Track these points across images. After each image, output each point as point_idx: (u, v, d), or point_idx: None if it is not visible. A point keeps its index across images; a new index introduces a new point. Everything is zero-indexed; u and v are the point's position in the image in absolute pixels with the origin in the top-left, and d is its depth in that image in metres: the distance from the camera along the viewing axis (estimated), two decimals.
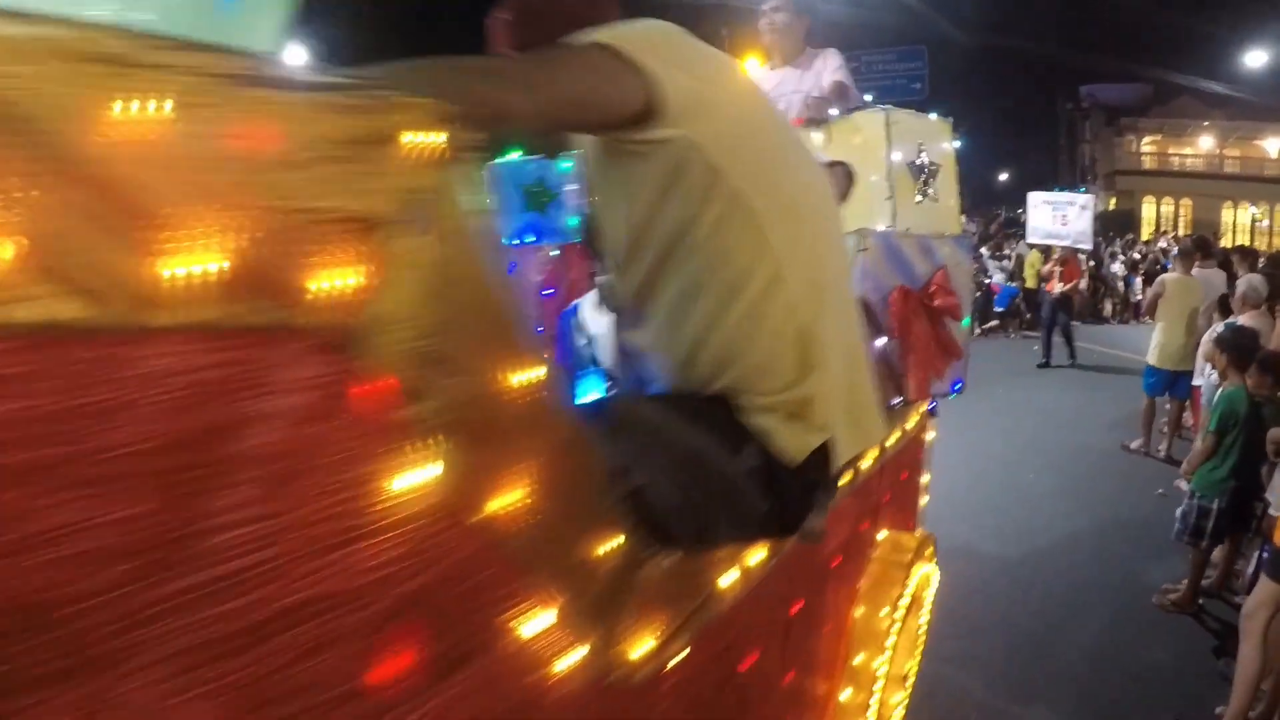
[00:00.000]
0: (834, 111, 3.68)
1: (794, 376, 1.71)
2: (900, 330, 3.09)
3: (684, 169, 1.60)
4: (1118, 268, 23.26)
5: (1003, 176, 61.32)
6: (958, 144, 3.76)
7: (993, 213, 29.52)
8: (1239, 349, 6.00)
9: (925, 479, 4.21)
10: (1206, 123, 46.40)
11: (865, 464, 2.90)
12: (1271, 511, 4.97)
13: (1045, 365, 14.77)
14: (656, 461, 1.62)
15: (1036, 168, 58.35)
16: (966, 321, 3.55)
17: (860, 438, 1.96)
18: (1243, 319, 7.37)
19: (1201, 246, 10.11)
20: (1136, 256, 24.25)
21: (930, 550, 3.70)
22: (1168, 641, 5.61)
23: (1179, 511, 6.06)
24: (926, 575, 3.65)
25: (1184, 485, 7.92)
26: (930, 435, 4.12)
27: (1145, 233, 37.74)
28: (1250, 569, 5.81)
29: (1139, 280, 22.24)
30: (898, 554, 3.38)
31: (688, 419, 1.69)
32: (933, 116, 3.76)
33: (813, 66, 4.59)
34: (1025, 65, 49.02)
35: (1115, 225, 36.18)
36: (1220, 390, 6.09)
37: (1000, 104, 53.87)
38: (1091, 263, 21.89)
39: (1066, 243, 15.80)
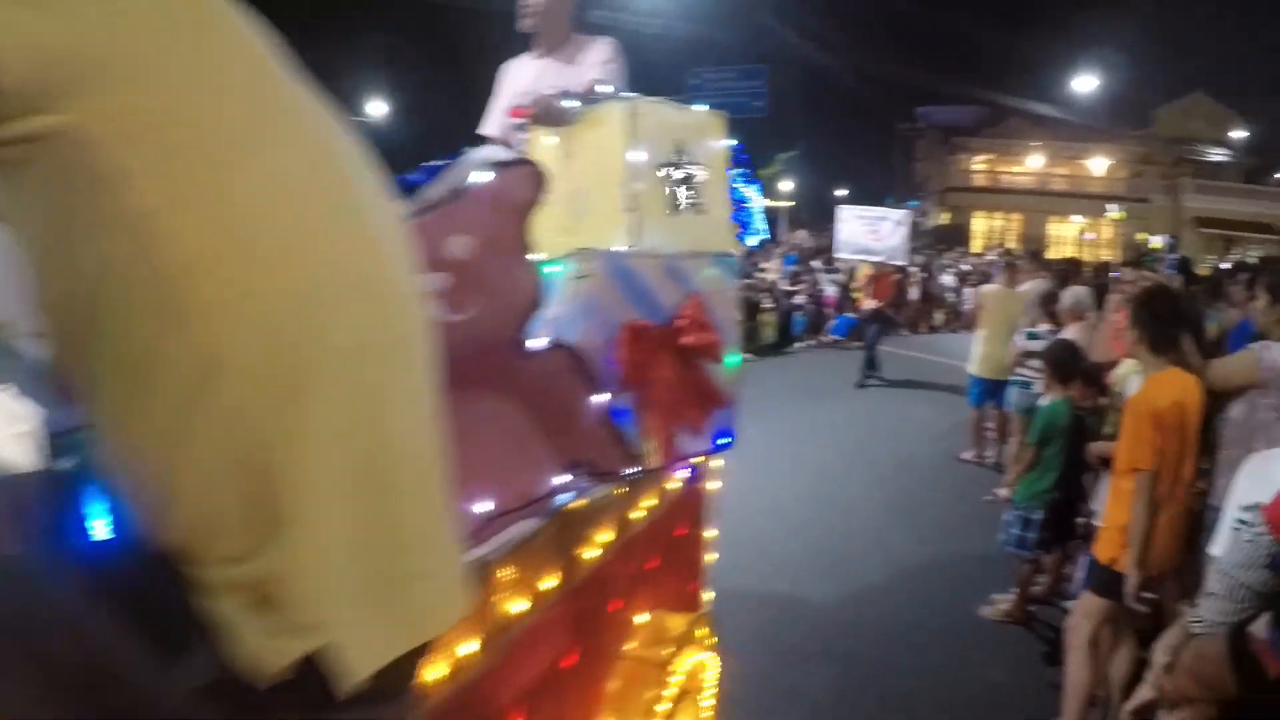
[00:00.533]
0: (575, 105, 2.91)
1: (249, 540, 0.99)
2: (633, 378, 2.36)
3: (66, 179, 0.92)
4: (948, 279, 23.61)
5: (840, 192, 62.78)
6: (734, 142, 3.08)
7: (827, 226, 29.84)
8: (1061, 362, 5.73)
9: (708, 535, 3.59)
10: (1035, 143, 48.54)
11: (590, 554, 2.27)
12: (1094, 521, 4.82)
13: (864, 384, 14.04)
14: (29, 679, 0.90)
15: (872, 184, 60.13)
16: (736, 359, 2.87)
17: (406, 630, 1.17)
18: (1068, 331, 7.21)
19: (1034, 259, 10.34)
20: (966, 269, 24.72)
21: (704, 631, 3.10)
22: (1001, 655, 5.46)
23: (1004, 520, 5.87)
24: (700, 662, 3.02)
25: (1005, 493, 7.88)
26: (713, 485, 3.50)
27: (976, 246, 39.05)
28: (1081, 573, 5.72)
29: (968, 291, 22.55)
30: (656, 647, 2.74)
31: (105, 600, 0.97)
32: (701, 108, 3.04)
33: (578, 59, 3.93)
34: (864, 86, 50.41)
35: (947, 239, 37.37)
36: (1040, 403, 5.87)
37: (839, 122, 55.02)
38: (924, 275, 22.19)
39: (879, 258, 15.77)
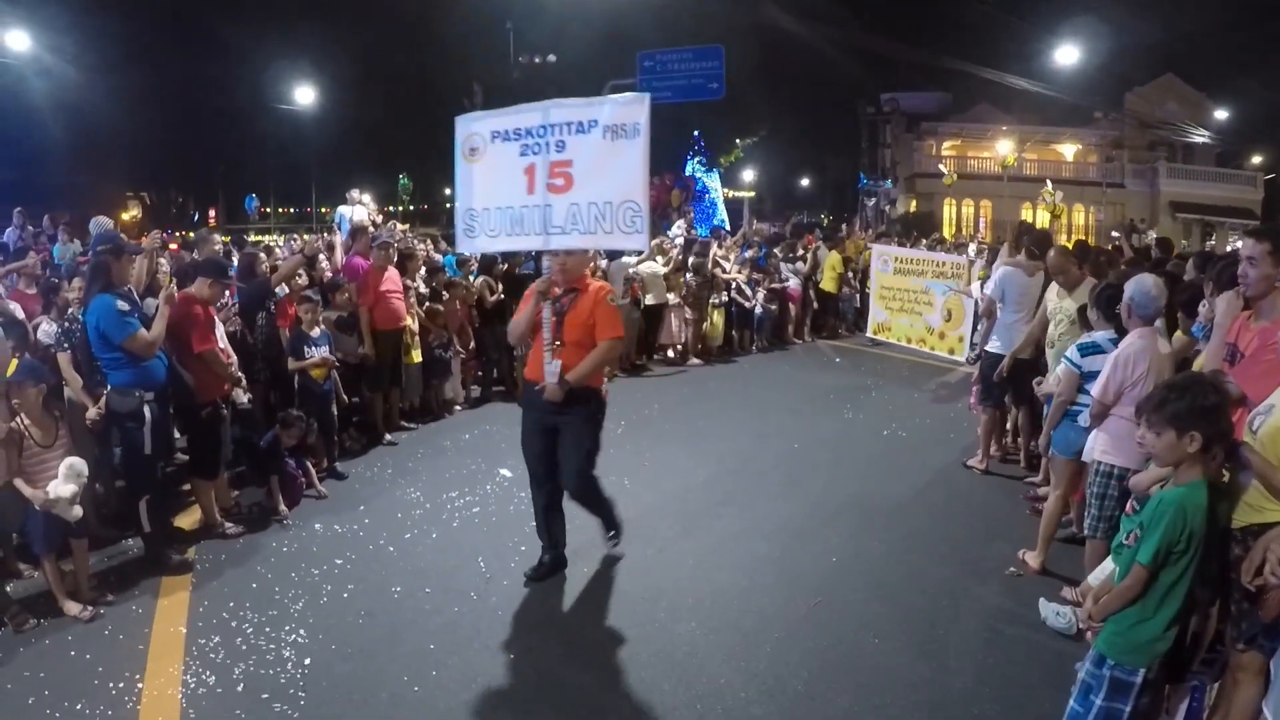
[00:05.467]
0: None
1: None
2: None
3: None
4: None
5: (804, 181, 61.14)
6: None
7: (790, 215, 27.87)
8: (1205, 415, 3.20)
9: None
10: (1005, 128, 46.98)
11: None
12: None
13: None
14: None
15: (838, 172, 58.61)
16: None
17: None
18: (1135, 342, 4.91)
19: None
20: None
21: None
22: None
23: (1078, 683, 3.48)
24: None
25: (1031, 562, 5.97)
26: None
27: (946, 234, 37.38)
28: None
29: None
30: None
31: None
32: None
33: None
34: (828, 69, 48.71)
35: (917, 227, 35.51)
36: (1160, 490, 3.33)
37: (802, 108, 53.41)
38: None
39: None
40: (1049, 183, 27.82)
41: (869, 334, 15.93)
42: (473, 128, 5.84)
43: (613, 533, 6.12)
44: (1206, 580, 3.41)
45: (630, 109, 5.29)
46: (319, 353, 7.65)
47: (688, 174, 31.75)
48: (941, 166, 37.22)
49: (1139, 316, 4.97)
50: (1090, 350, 5.56)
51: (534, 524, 5.88)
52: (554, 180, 5.47)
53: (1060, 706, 3.57)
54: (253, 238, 25.87)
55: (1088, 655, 3.45)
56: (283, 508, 6.86)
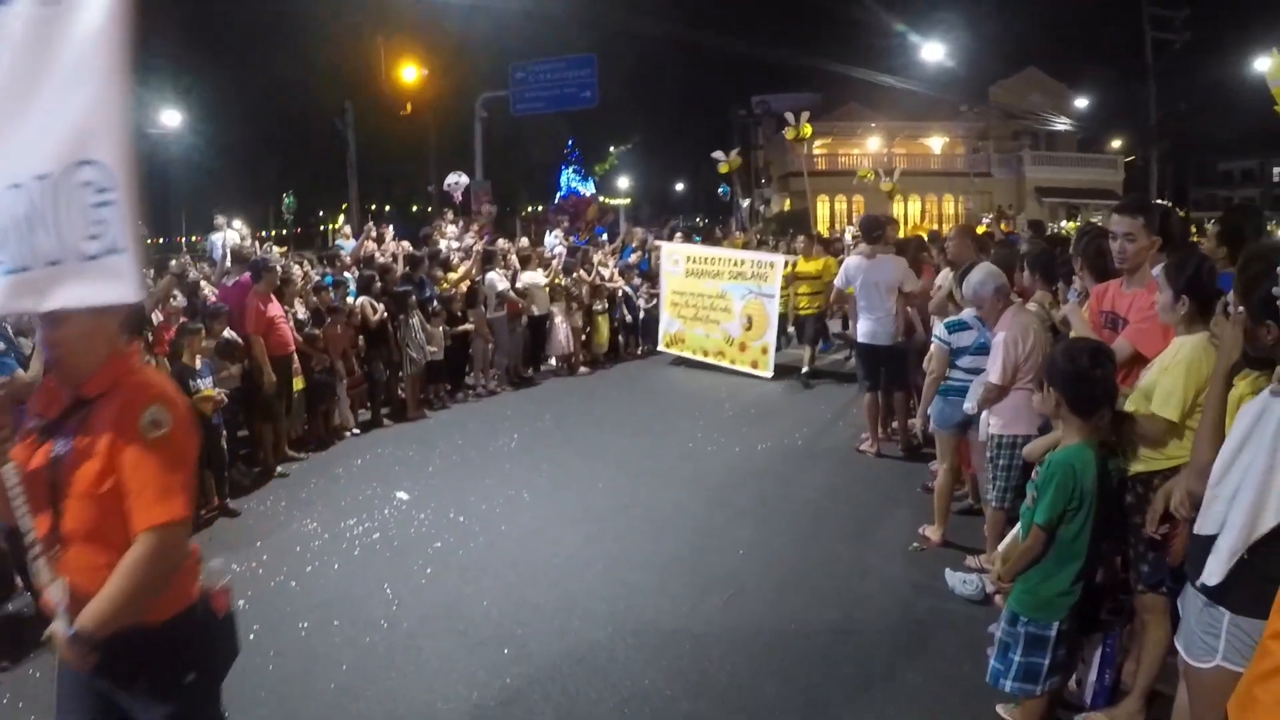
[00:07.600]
0: None
1: None
2: None
3: None
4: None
5: (679, 186, 61.87)
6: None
7: (667, 219, 28.22)
8: (1087, 381, 3.36)
9: None
10: (873, 124, 48.31)
11: None
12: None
13: None
14: None
15: (712, 176, 59.49)
16: None
17: None
18: (1004, 325, 5.16)
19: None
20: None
21: None
22: None
23: (997, 639, 3.61)
24: None
25: (931, 536, 6.15)
26: None
27: (822, 229, 38.28)
28: (1092, 674, 3.93)
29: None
30: None
31: None
32: None
33: None
34: (698, 75, 49.39)
35: (793, 224, 36.27)
36: (1051, 455, 3.47)
37: (674, 114, 54.11)
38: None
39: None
40: (866, 163, 28.51)
41: (660, 347, 14.79)
42: None
43: None
44: (1108, 532, 3.57)
45: None
46: (205, 384, 7.35)
47: (562, 183, 31.67)
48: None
49: (1004, 300, 5.25)
50: (957, 327, 5.90)
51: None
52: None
53: (979, 668, 3.67)
54: None
55: (1002, 615, 3.57)
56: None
